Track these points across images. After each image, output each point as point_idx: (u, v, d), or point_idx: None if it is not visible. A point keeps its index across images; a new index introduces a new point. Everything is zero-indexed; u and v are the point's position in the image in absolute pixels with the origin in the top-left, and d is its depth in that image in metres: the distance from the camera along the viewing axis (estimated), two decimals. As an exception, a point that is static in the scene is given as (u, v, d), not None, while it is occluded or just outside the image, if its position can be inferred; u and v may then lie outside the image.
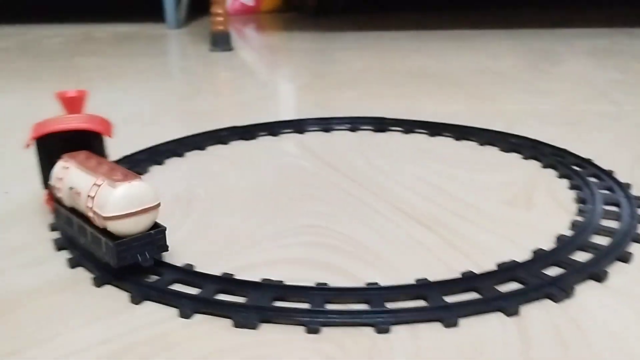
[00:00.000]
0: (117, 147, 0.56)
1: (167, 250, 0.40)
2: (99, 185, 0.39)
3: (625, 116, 0.72)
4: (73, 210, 0.42)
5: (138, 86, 0.96)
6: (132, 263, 0.38)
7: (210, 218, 0.49)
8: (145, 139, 0.66)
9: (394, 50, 1.20)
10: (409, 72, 1.00)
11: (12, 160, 0.63)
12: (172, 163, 0.61)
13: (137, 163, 0.59)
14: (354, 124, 0.70)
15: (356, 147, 0.64)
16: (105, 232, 0.38)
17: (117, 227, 0.38)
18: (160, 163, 0.61)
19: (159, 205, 0.39)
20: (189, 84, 0.98)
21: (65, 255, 0.43)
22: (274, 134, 0.68)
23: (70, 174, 0.43)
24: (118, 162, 0.58)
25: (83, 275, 0.41)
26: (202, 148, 0.65)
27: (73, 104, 0.49)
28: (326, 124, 0.70)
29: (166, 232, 0.40)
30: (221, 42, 1.25)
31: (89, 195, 0.39)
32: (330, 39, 1.37)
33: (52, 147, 0.47)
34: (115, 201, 0.38)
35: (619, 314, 0.35)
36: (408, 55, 1.14)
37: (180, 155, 0.63)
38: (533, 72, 0.97)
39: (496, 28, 1.42)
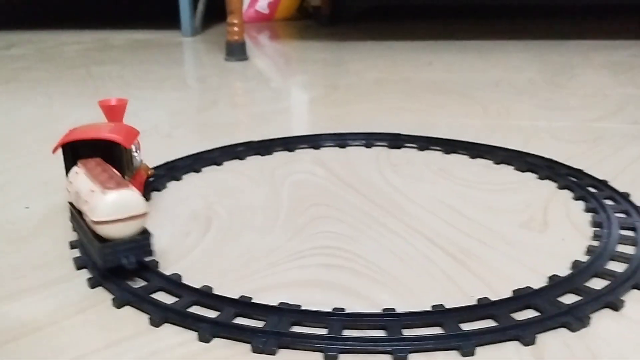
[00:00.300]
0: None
1: (152, 255, 0.43)
2: (93, 192, 0.42)
3: (641, 134, 0.72)
4: (80, 213, 0.44)
5: (155, 96, 0.97)
6: (117, 265, 0.41)
7: (228, 237, 0.49)
8: (163, 152, 0.67)
9: (408, 61, 1.20)
10: (423, 84, 1.00)
11: (32, 173, 0.64)
12: (190, 179, 0.62)
13: (156, 179, 0.60)
14: (369, 140, 0.70)
15: (372, 164, 0.64)
16: (96, 234, 0.41)
17: (105, 231, 0.41)
18: (177, 179, 0.61)
19: (146, 214, 0.42)
20: (205, 95, 0.98)
21: (85, 274, 0.44)
22: (290, 150, 0.69)
23: (79, 179, 0.45)
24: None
25: (103, 296, 0.41)
26: (218, 164, 0.65)
27: (114, 112, 0.55)
28: (341, 140, 0.70)
29: (152, 238, 0.42)
30: (236, 51, 1.26)
31: (85, 200, 0.42)
32: (344, 48, 1.38)
33: (77, 154, 0.49)
34: (103, 207, 0.40)
35: (636, 345, 0.35)
36: (422, 66, 1.15)
37: (197, 171, 0.63)
38: (549, 86, 0.97)
39: (511, 39, 1.42)
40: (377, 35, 1.52)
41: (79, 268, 0.45)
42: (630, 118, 0.78)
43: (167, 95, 0.98)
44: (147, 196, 0.56)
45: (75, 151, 0.50)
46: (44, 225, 0.52)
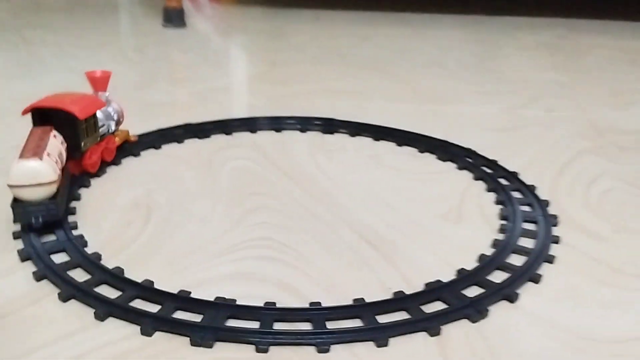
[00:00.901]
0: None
1: (58, 218, 0.49)
2: (15, 158, 0.49)
3: (556, 124, 0.78)
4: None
5: (93, 68, 0.97)
6: (26, 223, 0.49)
7: (168, 228, 0.52)
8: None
9: (347, 35, 1.23)
10: (360, 62, 1.03)
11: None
12: (129, 163, 0.64)
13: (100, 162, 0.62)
14: (304, 124, 0.74)
15: (306, 151, 0.68)
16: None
17: (16, 193, 0.48)
18: (117, 164, 0.63)
19: (53, 182, 0.49)
20: (144, 69, 0.99)
21: (30, 266, 0.46)
22: (228, 133, 0.72)
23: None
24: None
25: (48, 289, 0.44)
26: (157, 147, 0.67)
27: (98, 82, 0.64)
28: (278, 124, 0.74)
29: (57, 204, 0.49)
30: (174, 18, 1.25)
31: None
32: (285, 17, 1.39)
33: (41, 120, 0.57)
34: (15, 173, 0.48)
35: (527, 335, 0.40)
36: (360, 42, 1.18)
37: (136, 155, 0.65)
38: (476, 69, 1.02)
39: (446, 12, 1.46)
40: (319, 3, 1.53)
41: (23, 260, 0.47)
42: (546, 106, 0.84)
43: (106, 67, 0.98)
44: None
45: (46, 116, 0.57)
46: (-15, 214, 0.53)
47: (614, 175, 0.64)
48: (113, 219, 0.53)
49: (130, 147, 0.66)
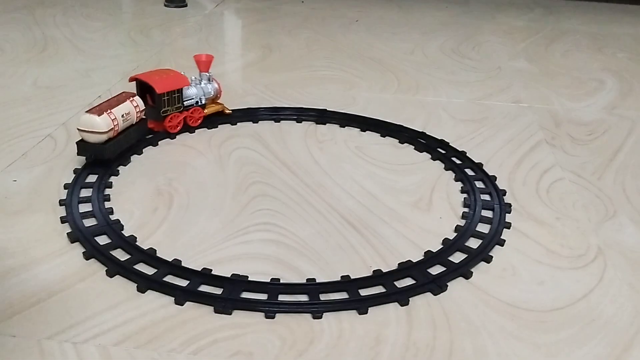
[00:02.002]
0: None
1: (105, 158, 0.68)
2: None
3: (520, 114, 0.88)
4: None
5: (104, 53, 1.06)
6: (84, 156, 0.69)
7: (188, 214, 0.63)
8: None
9: (337, 17, 1.31)
10: (348, 47, 1.12)
11: (7, 144, 0.74)
12: (149, 152, 0.74)
13: (125, 151, 0.72)
14: (300, 115, 0.84)
15: (302, 141, 0.78)
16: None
17: (80, 134, 0.68)
18: (139, 153, 0.73)
19: (104, 132, 0.67)
20: (150, 54, 1.07)
21: (79, 247, 0.57)
22: (233, 123, 0.82)
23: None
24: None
25: (96, 267, 0.55)
26: (172, 137, 0.77)
27: (203, 64, 0.81)
28: (276, 115, 0.84)
29: (104, 148, 0.68)
30: (176, -1, 1.33)
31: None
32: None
33: (141, 88, 0.77)
34: (80, 120, 0.67)
35: (475, 305, 0.52)
36: (349, 25, 1.27)
37: (154, 145, 0.75)
38: (456, 57, 1.11)
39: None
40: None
41: (72, 241, 0.57)
42: (514, 96, 0.95)
43: (115, 51, 1.07)
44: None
45: (144, 86, 0.76)
46: (33, 200, 0.63)
47: (564, 166, 0.75)
48: (141, 205, 0.64)
49: (149, 138, 0.76)
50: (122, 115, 0.70)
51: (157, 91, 0.75)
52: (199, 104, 0.80)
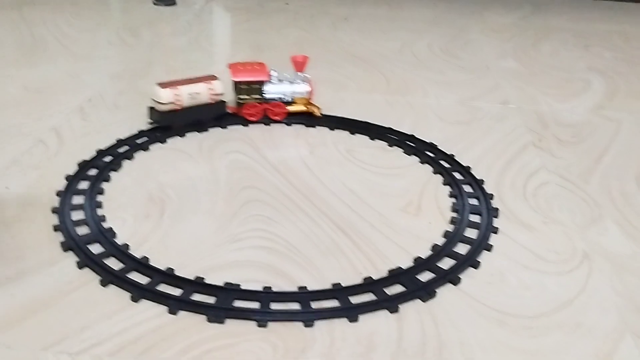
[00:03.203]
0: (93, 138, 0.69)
1: (161, 125, 0.79)
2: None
3: (508, 116, 0.89)
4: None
5: (94, 54, 1.05)
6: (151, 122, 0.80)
7: (180, 220, 0.63)
8: (114, 128, 0.78)
9: (326, 14, 1.32)
10: (338, 47, 1.13)
11: (1, 148, 0.74)
12: (141, 157, 0.74)
13: (113, 158, 0.72)
14: (289, 118, 0.84)
15: (292, 144, 0.79)
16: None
17: (152, 103, 0.79)
18: (130, 158, 0.74)
19: (166, 104, 0.77)
20: (140, 54, 1.07)
21: (71, 256, 0.57)
22: (223, 127, 0.82)
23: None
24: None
25: (90, 276, 0.55)
26: (163, 141, 0.78)
27: (298, 65, 0.84)
28: (267, 118, 0.84)
29: (164, 117, 0.78)
30: (165, -4, 1.32)
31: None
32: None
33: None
34: (153, 90, 0.78)
35: (464, 311, 0.53)
36: (338, 23, 1.27)
37: (145, 149, 0.76)
38: (444, 56, 1.12)
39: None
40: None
41: (65, 250, 0.58)
42: (502, 97, 0.96)
43: (105, 52, 1.07)
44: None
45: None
46: (26, 207, 0.64)
47: (551, 169, 0.76)
48: (134, 212, 0.64)
49: (140, 142, 0.76)
50: (190, 93, 0.78)
51: (233, 78, 0.82)
52: (282, 99, 0.84)
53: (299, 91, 0.84)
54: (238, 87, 0.82)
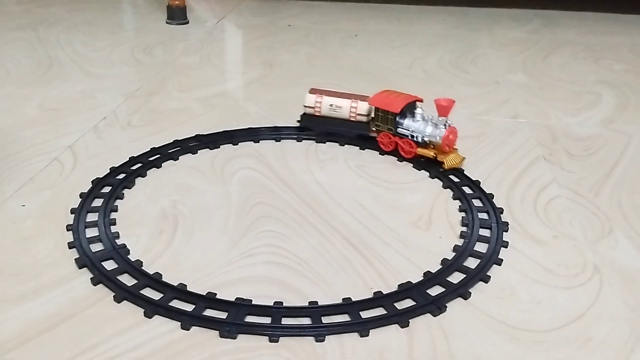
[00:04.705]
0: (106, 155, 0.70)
1: (302, 125, 0.87)
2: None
3: (518, 130, 0.90)
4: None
5: (108, 73, 1.07)
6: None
7: (192, 237, 0.64)
8: (128, 146, 0.80)
9: (336, 31, 1.33)
10: (348, 63, 1.14)
11: (16, 168, 0.75)
12: (153, 174, 0.76)
13: (130, 174, 0.73)
14: (300, 134, 0.85)
15: (303, 160, 0.80)
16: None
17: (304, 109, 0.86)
18: (143, 175, 0.75)
19: (309, 107, 0.85)
20: (154, 73, 1.09)
21: (86, 273, 0.58)
22: (234, 143, 0.83)
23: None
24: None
25: (104, 292, 0.56)
26: (175, 159, 0.79)
27: (442, 109, 0.78)
28: (277, 134, 0.85)
29: (305, 119, 0.86)
30: (177, 15, 1.35)
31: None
32: (279, 9, 1.48)
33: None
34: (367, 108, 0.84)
35: (474, 326, 0.53)
36: (348, 39, 1.28)
37: (158, 166, 0.77)
38: (454, 71, 1.13)
39: (431, 4, 1.56)
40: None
41: (80, 267, 0.59)
42: (512, 111, 0.96)
43: (118, 71, 1.09)
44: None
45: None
46: (42, 224, 0.65)
47: (561, 183, 0.76)
48: (147, 229, 0.65)
49: (153, 160, 0.77)
50: (331, 105, 0.83)
51: (369, 102, 0.83)
52: (414, 138, 0.79)
53: (430, 134, 0.78)
54: (375, 112, 0.82)
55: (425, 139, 0.78)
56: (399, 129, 0.80)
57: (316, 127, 0.85)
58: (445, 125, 0.78)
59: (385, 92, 0.83)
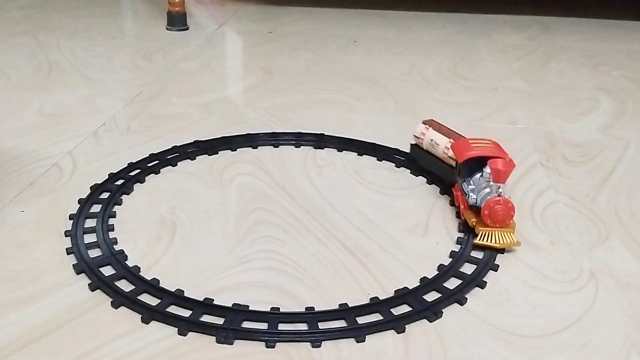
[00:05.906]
0: (106, 160, 0.70)
1: (410, 155, 0.81)
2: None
3: (516, 136, 0.90)
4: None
5: (108, 78, 1.08)
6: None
7: (190, 242, 0.64)
8: (127, 152, 0.80)
9: (335, 38, 1.34)
10: (347, 69, 1.15)
11: (17, 173, 0.76)
12: (152, 180, 0.76)
13: (128, 180, 0.73)
14: (298, 140, 0.86)
15: (301, 166, 0.80)
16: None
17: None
18: (141, 181, 0.75)
19: (413, 135, 0.79)
20: (154, 78, 1.09)
21: (84, 278, 0.58)
22: (233, 149, 0.83)
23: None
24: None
25: (101, 298, 0.56)
26: (174, 164, 0.79)
27: (498, 175, 0.65)
28: (275, 140, 0.85)
29: (413, 147, 0.81)
30: (177, 22, 1.35)
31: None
32: (277, 15, 1.49)
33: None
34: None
35: (470, 332, 0.53)
36: (347, 46, 1.29)
37: (156, 172, 0.77)
38: (452, 77, 1.13)
39: (429, 10, 1.56)
40: (309, 1, 1.63)
41: (78, 273, 0.59)
42: (510, 117, 0.96)
43: (118, 77, 1.09)
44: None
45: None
46: (40, 230, 0.65)
47: (558, 189, 0.76)
48: (145, 234, 0.65)
49: (151, 166, 0.78)
50: (431, 140, 0.76)
51: (458, 159, 0.69)
52: (466, 196, 0.67)
53: (471, 197, 0.66)
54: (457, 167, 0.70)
55: (471, 201, 0.66)
56: (463, 182, 0.68)
57: (421, 161, 0.79)
58: (495, 191, 0.64)
59: (474, 139, 0.70)
